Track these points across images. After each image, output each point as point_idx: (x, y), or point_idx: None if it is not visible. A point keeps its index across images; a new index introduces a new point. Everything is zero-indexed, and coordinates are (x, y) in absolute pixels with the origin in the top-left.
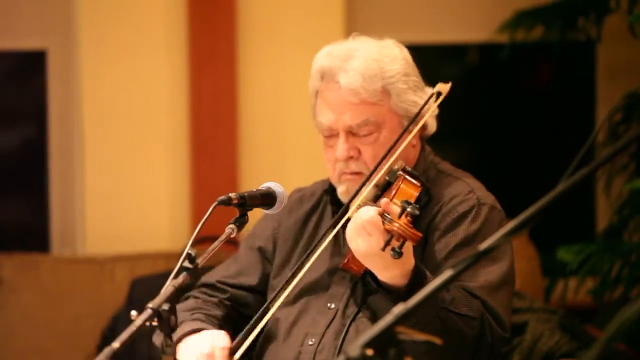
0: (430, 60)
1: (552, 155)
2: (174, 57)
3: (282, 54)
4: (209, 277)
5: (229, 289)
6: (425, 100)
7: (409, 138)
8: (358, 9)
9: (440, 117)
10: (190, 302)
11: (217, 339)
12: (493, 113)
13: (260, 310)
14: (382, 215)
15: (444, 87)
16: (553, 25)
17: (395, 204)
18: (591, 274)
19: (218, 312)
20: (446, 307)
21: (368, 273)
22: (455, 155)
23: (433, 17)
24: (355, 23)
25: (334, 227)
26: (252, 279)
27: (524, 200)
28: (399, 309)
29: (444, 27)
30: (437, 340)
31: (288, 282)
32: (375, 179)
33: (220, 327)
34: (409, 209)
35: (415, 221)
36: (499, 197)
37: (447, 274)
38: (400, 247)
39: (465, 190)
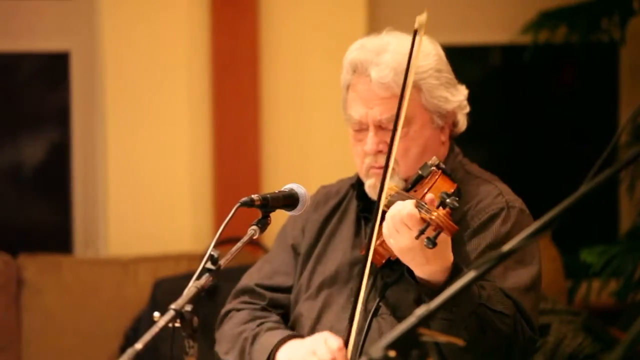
0: (452, 62)
1: (575, 157)
2: (196, 58)
3: (305, 55)
4: (247, 281)
5: (267, 293)
6: (412, 42)
7: (406, 100)
8: (380, 10)
9: None
10: (242, 315)
11: (329, 341)
12: (516, 115)
13: (352, 308)
14: (418, 205)
15: (420, 19)
16: (576, 27)
17: (433, 195)
18: (614, 276)
19: (277, 318)
20: (483, 303)
21: (407, 270)
22: (477, 156)
23: (456, 18)
24: (377, 25)
25: (375, 222)
26: (288, 280)
27: (547, 202)
28: (421, 310)
29: (467, 29)
30: (459, 342)
31: (356, 299)
32: (392, 161)
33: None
34: (447, 200)
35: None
36: (522, 199)
37: (471, 274)
38: (435, 237)
39: (494, 193)
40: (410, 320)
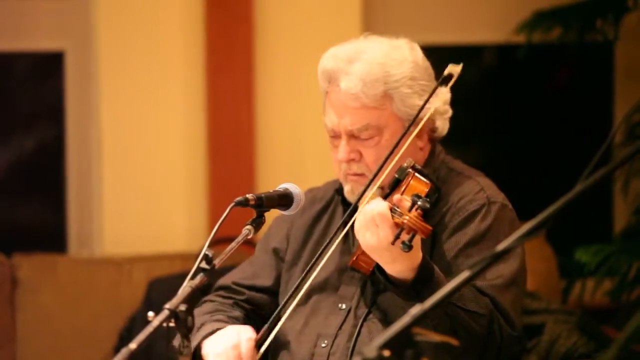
0: (447, 61)
1: (570, 156)
2: (191, 58)
3: (299, 57)
4: (225, 280)
5: (245, 290)
6: (434, 87)
7: (414, 134)
8: (375, 11)
9: (457, 118)
10: (208, 306)
11: (242, 332)
12: (510, 114)
13: (279, 307)
14: (391, 209)
15: (454, 69)
16: (571, 26)
17: (405, 198)
18: (609, 275)
19: (238, 313)
20: (454, 302)
21: (376, 267)
22: (471, 155)
23: (450, 17)
24: (372, 25)
25: (344, 226)
26: (266, 280)
27: (542, 201)
28: (415, 309)
29: (462, 28)
30: (453, 341)
31: (303, 280)
32: (378, 182)
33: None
34: (419, 202)
35: (425, 217)
36: (516, 198)
37: (464, 274)
38: (410, 240)
39: (475, 189)
40: (405, 319)
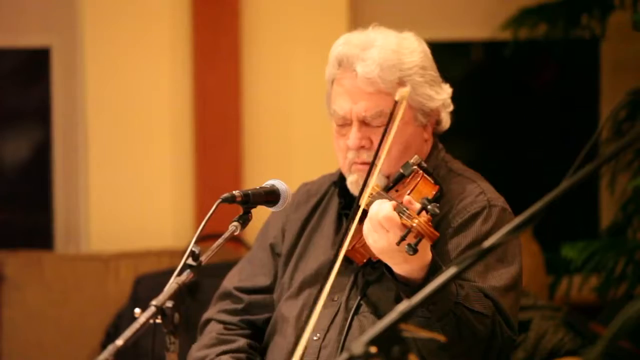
0: (434, 58)
1: (556, 153)
2: (178, 54)
3: (286, 51)
4: (227, 284)
5: (244, 296)
6: (392, 111)
7: (393, 132)
8: (362, 6)
9: None
10: (211, 337)
11: None
12: (496, 111)
13: (299, 330)
14: (399, 210)
15: (402, 92)
16: (557, 23)
17: (414, 200)
18: (595, 271)
19: (242, 342)
20: (461, 302)
21: (384, 265)
22: (458, 152)
23: (436, 14)
24: (359, 21)
25: (353, 219)
26: (265, 279)
27: (528, 198)
28: (403, 306)
29: (448, 25)
30: (440, 338)
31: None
32: (379, 166)
33: (248, 357)
34: (429, 207)
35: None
36: (503, 195)
37: (452, 270)
38: (417, 244)
39: (475, 192)
40: (392, 315)
